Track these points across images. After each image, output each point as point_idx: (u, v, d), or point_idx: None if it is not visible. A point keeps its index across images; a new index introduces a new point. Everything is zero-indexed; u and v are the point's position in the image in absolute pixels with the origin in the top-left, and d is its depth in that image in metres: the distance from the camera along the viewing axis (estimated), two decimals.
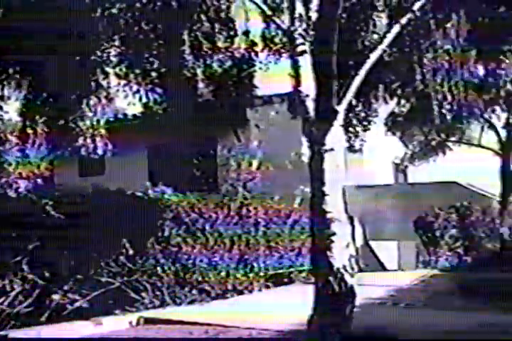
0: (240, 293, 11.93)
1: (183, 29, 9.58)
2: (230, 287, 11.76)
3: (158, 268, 10.85)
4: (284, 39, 8.81)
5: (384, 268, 17.02)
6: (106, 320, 9.26)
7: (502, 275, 13.76)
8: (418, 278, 14.85)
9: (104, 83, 10.89)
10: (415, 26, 9.15)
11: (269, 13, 8.19)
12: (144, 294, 10.62)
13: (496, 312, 9.79)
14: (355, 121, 14.94)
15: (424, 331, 8.24)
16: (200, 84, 10.29)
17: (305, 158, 8.52)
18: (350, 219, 8.21)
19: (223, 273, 11.70)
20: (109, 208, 10.51)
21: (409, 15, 8.30)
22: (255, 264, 12.56)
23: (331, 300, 7.65)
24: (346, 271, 7.65)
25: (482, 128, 22.54)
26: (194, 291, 11.13)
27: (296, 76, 8.06)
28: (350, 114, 13.50)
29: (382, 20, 9.27)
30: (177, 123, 12.10)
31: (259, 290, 12.46)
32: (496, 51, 12.63)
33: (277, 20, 8.15)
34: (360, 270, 9.29)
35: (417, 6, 8.23)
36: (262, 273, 12.72)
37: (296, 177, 13.22)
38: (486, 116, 20.93)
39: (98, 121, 11.09)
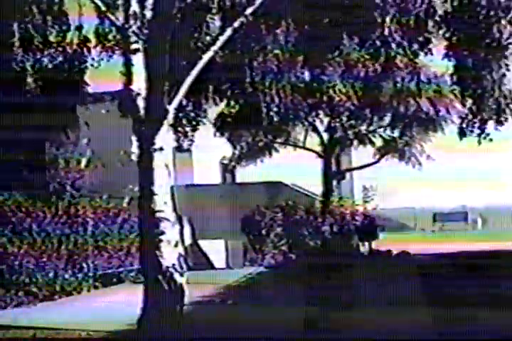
0: (69, 294, 11.69)
1: (13, 20, 9.24)
2: (58, 288, 11.50)
3: None
4: (118, 36, 8.74)
5: (213, 267, 17.26)
6: None
7: (324, 270, 14.40)
8: (245, 275, 15.23)
9: None
10: (247, 30, 9.39)
11: (103, 8, 8.09)
12: None
13: (315, 306, 10.23)
14: (184, 121, 15.09)
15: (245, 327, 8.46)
16: (29, 79, 9.98)
17: (134, 157, 8.51)
18: (179, 218, 8.30)
19: (51, 274, 11.41)
20: None
21: (241, 19, 8.52)
22: (84, 264, 12.36)
23: (161, 299, 7.70)
24: (175, 270, 7.72)
25: (306, 131, 23.34)
26: (21, 293, 10.77)
27: (128, 74, 8.04)
28: (180, 114, 13.61)
29: (215, 22, 9.44)
30: (3, 119, 11.63)
31: (88, 290, 12.27)
32: (322, 58, 13.25)
33: (112, 17, 8.07)
34: (189, 269, 9.39)
35: (249, 10, 8.46)
36: (90, 274, 12.53)
37: (125, 176, 13.12)
38: (310, 119, 21.78)
39: None
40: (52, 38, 9.63)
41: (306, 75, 16.02)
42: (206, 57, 8.27)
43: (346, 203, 23.23)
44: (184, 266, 7.96)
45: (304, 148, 23.65)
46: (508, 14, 11.82)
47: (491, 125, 14.51)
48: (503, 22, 11.90)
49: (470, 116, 14.41)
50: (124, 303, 9.26)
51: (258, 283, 14.37)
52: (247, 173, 24.49)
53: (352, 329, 8.19)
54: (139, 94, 7.94)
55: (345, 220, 21.40)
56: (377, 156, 23.96)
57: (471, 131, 14.49)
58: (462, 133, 14.66)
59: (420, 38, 11.97)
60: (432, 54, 12.82)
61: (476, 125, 14.35)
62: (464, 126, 14.61)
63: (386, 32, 11.52)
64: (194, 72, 8.18)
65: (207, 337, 7.79)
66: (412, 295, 10.86)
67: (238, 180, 25.23)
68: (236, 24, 8.44)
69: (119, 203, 13.86)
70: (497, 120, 14.12)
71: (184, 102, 12.29)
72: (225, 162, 24.14)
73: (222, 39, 8.34)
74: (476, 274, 12.98)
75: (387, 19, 11.16)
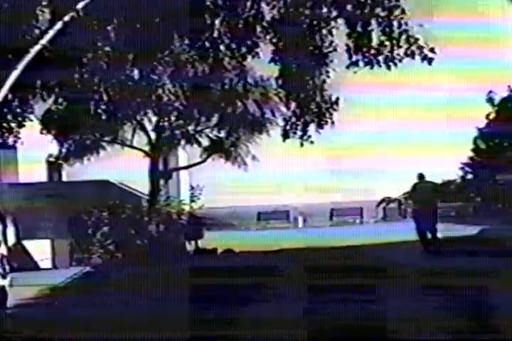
0: None
1: None
2: None
3: None
4: None
5: (38, 268, 16.82)
6: None
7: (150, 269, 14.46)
8: (71, 276, 14.97)
9: None
10: (78, 25, 9.27)
11: None
12: None
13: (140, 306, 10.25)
14: (10, 117, 14.57)
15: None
16: None
17: None
18: (2, 217, 8.07)
19: None
20: None
21: (72, 14, 8.43)
22: None
23: None
24: None
25: (134, 130, 23.28)
26: None
27: None
28: (5, 109, 13.15)
29: (45, 15, 9.23)
30: None
31: None
32: (151, 57, 13.28)
33: None
34: (13, 270, 9.12)
35: (80, 5, 8.39)
36: None
37: None
38: (138, 118, 21.72)
39: None
40: None
41: (136, 74, 15.98)
42: (34, 51, 8.11)
43: (173, 202, 23.42)
44: (7, 267, 7.76)
45: (131, 146, 23.58)
46: (328, 25, 12.53)
47: (312, 128, 15.21)
48: (324, 32, 12.59)
49: (293, 119, 14.99)
50: None
51: (85, 284, 14.16)
52: (74, 172, 24.04)
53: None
54: None
55: (171, 219, 21.57)
56: (204, 156, 24.36)
57: (294, 133, 15.08)
58: (285, 135, 15.21)
59: (248, 42, 12.36)
60: (259, 57, 13.28)
61: (299, 127, 14.96)
62: (288, 128, 15.17)
63: (216, 34, 11.78)
64: (20, 66, 8.02)
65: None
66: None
67: (65, 178, 24.70)
68: (66, 18, 8.35)
69: None
70: (318, 123, 14.80)
71: (10, 97, 11.87)
72: (52, 160, 23.52)
73: (51, 33, 8.22)
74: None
75: (217, 22, 11.42)
